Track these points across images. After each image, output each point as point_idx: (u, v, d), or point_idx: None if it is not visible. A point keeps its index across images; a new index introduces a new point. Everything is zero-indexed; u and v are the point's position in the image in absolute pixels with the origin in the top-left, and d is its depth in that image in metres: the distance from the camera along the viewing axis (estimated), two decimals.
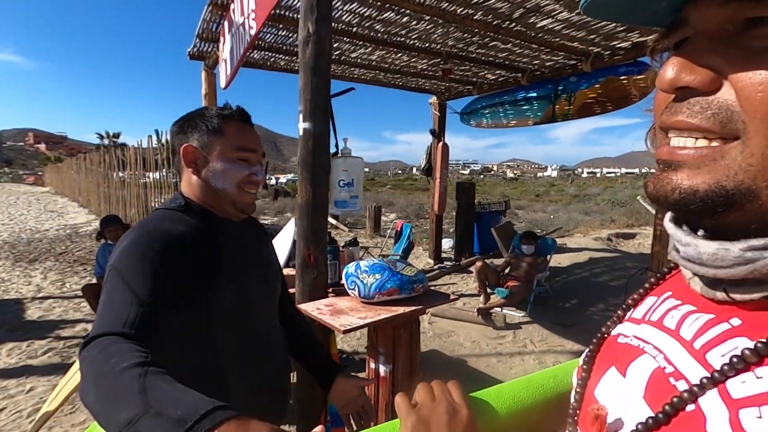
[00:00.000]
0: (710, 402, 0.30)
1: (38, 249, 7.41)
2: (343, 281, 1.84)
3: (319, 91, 1.80)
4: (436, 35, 3.51)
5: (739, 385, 0.29)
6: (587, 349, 0.47)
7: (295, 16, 3.15)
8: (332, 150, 2.01)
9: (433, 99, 5.87)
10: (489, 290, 4.25)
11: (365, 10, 3.02)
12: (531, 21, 3.13)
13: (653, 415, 0.33)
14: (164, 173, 6.58)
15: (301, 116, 1.83)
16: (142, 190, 7.43)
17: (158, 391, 0.58)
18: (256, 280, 0.98)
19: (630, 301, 0.46)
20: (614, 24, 3.13)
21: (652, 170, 0.36)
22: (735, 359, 0.29)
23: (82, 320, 4.03)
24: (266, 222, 10.85)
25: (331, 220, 9.83)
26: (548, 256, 4.50)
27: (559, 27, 3.21)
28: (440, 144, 5.60)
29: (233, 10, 2.65)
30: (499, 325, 3.83)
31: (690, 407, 0.31)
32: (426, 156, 6.09)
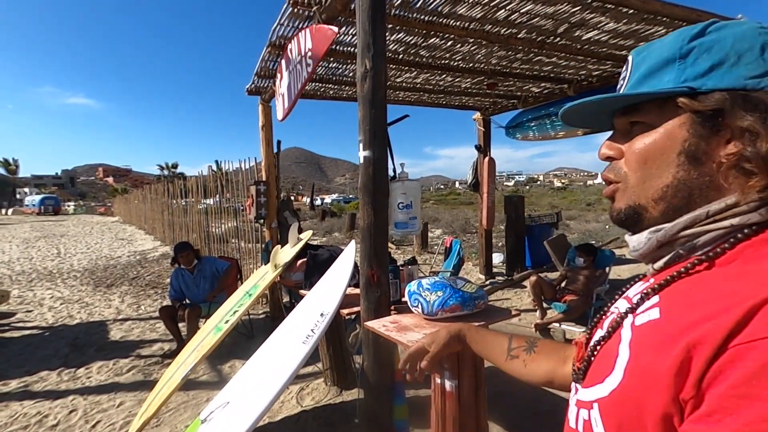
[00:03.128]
0: (628, 318, 0.50)
1: (114, 274, 8.08)
2: (406, 299, 1.93)
3: (377, 121, 1.93)
4: (480, 55, 3.59)
5: (641, 307, 0.49)
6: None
7: (345, 49, 3.36)
8: (390, 175, 2.13)
9: (477, 115, 5.92)
10: (545, 305, 4.16)
11: (411, 38, 3.17)
12: (576, 34, 3.15)
13: (602, 334, 0.54)
14: (218, 199, 7.03)
15: (361, 145, 1.96)
16: (202, 216, 7.95)
17: None
18: None
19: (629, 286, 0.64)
20: (665, 29, 3.08)
21: None
22: (642, 295, 0.50)
23: (158, 340, 4.36)
24: (316, 242, 11.20)
25: None
26: (607, 269, 4.35)
27: (606, 38, 3.20)
28: (486, 159, 5.61)
29: (290, 49, 2.88)
30: (559, 341, 3.73)
31: (620, 324, 0.51)
32: (472, 171, 6.11)
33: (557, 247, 5.24)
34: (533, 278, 4.23)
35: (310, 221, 17.74)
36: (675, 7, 2.79)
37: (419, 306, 1.84)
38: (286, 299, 4.78)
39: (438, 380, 1.85)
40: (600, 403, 0.47)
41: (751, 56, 0.46)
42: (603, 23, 2.95)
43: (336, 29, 2.37)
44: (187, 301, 4.24)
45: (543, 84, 4.62)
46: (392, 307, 2.10)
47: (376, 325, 1.86)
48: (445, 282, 1.86)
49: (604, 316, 0.62)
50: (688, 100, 0.47)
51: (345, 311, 2.17)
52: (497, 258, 7.01)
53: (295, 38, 2.76)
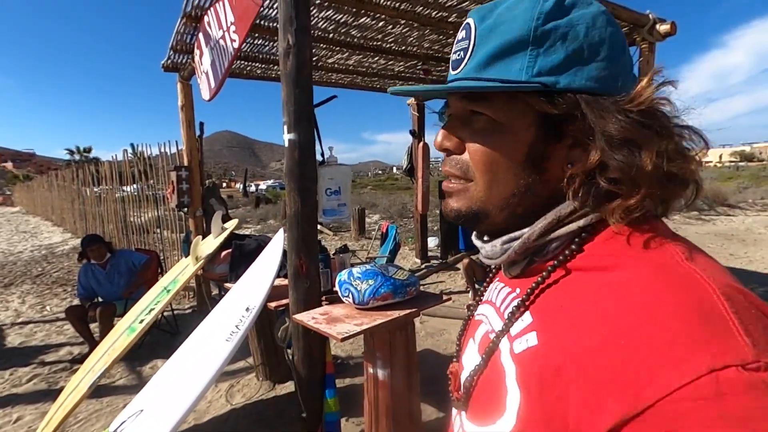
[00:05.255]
0: (504, 342, 0.46)
1: (13, 272, 7.17)
2: (337, 289, 1.86)
3: (302, 102, 1.81)
4: (412, 38, 3.55)
5: (515, 328, 0.45)
6: (459, 332, 0.63)
7: (271, 25, 3.15)
8: (318, 159, 2.02)
9: (411, 100, 5.92)
10: (477, 286, 4.31)
11: (341, 16, 3.04)
12: None
13: (478, 363, 0.49)
14: (140, 186, 6.45)
15: (285, 127, 1.84)
16: (119, 205, 7.25)
17: None
18: None
19: (483, 290, 0.61)
20: None
21: None
22: (512, 311, 0.46)
23: (66, 344, 3.92)
24: (249, 230, 10.73)
25: None
26: None
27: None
28: (421, 144, 5.64)
29: (208, 22, 2.63)
30: None
31: (497, 349, 0.46)
32: (407, 157, 6.14)
33: None
34: (465, 261, 4.35)
35: (244, 208, 16.98)
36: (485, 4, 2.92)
37: (350, 295, 1.78)
38: (216, 292, 4.51)
39: (371, 369, 1.82)
40: None
41: (603, 52, 0.41)
42: None
43: (260, 1, 2.19)
44: (100, 299, 3.84)
45: None
46: (323, 298, 2.02)
47: (305, 317, 1.78)
48: (376, 270, 1.81)
49: (469, 324, 0.60)
50: (542, 103, 0.42)
51: (273, 304, 2.06)
52: (432, 242, 7.17)
53: (213, 9, 2.53)
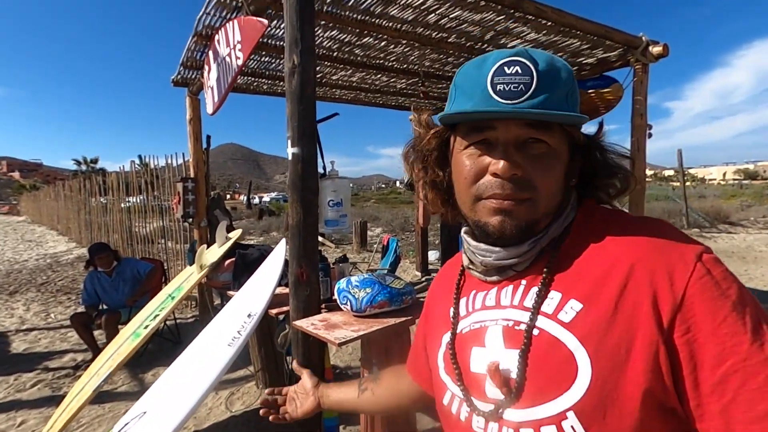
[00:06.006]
0: (543, 323, 0.54)
1: (18, 280, 7.26)
2: (335, 297, 1.93)
3: (306, 118, 1.91)
4: (413, 57, 3.67)
5: (548, 307, 0.55)
6: (444, 352, 0.67)
7: (277, 44, 3.28)
8: (320, 172, 2.11)
9: (413, 116, 6.04)
10: None
11: (345, 36, 3.16)
12: (502, 42, 3.32)
13: (520, 349, 0.54)
14: (145, 197, 6.56)
15: (289, 142, 1.93)
16: (125, 215, 7.37)
17: None
18: None
19: (453, 311, 0.68)
20: (579, 42, 3.34)
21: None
22: (537, 296, 0.56)
23: (70, 350, 3.98)
24: (252, 241, 10.81)
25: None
26: None
27: (529, 47, 3.41)
28: None
29: (218, 40, 2.76)
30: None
31: (535, 332, 0.54)
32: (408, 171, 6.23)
33: None
34: None
35: (247, 220, 17.10)
36: (588, 23, 3.04)
37: (348, 303, 1.85)
38: (218, 302, 4.57)
39: (367, 375, 1.88)
40: (578, 407, 0.47)
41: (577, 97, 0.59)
42: (525, 33, 3.14)
43: (265, 22, 2.30)
44: (105, 306, 3.91)
45: None
46: (323, 306, 2.09)
47: (305, 324, 1.84)
48: (373, 279, 1.88)
49: (460, 339, 0.63)
50: (579, 133, 0.60)
51: (274, 311, 2.12)
52: (433, 255, 7.22)
53: (223, 29, 2.65)
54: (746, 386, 0.41)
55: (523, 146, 0.56)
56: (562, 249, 0.58)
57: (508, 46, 3.39)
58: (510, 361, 0.54)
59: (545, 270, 0.57)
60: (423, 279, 6.04)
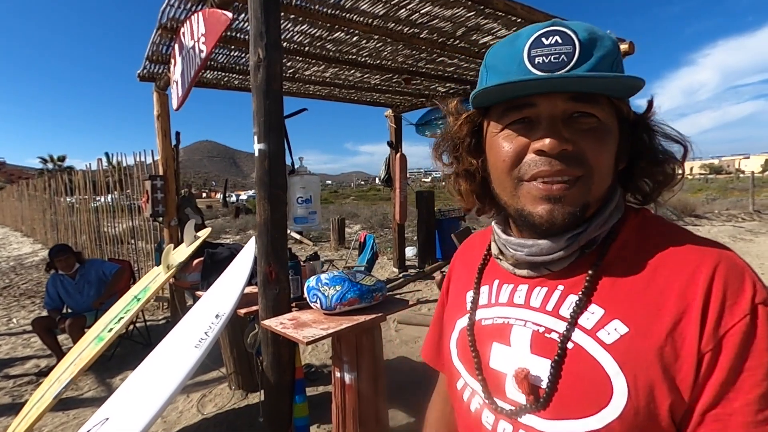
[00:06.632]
0: (579, 337, 0.49)
1: None
2: (305, 295, 1.90)
3: (272, 113, 1.87)
4: (386, 52, 3.66)
5: (586, 321, 0.49)
6: (458, 338, 0.63)
7: (246, 38, 3.20)
8: (289, 169, 2.07)
9: (389, 112, 6.04)
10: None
11: (316, 30, 3.12)
12: (473, 38, 3.34)
13: (553, 360, 0.49)
14: (116, 196, 6.34)
15: (256, 138, 1.89)
16: (93, 215, 7.10)
17: None
18: None
19: (472, 296, 0.63)
20: None
21: None
22: (576, 307, 0.50)
23: (32, 356, 3.82)
24: (228, 240, 10.61)
25: (295, 235, 9.75)
26: None
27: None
28: (398, 155, 5.75)
29: (183, 33, 2.68)
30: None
31: (570, 345, 0.49)
32: (385, 167, 6.22)
33: (464, 239, 5.54)
34: (438, 277, 4.43)
35: (223, 219, 16.78)
36: (557, 19, 3.09)
37: (318, 301, 1.83)
38: (190, 303, 4.46)
39: (338, 374, 1.86)
40: (611, 427, 0.45)
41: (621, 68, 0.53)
42: (496, 29, 3.17)
43: (230, 15, 2.24)
44: (69, 310, 3.77)
45: (448, 84, 4.84)
46: (293, 304, 2.06)
47: (273, 323, 1.81)
48: (343, 276, 1.86)
49: (481, 330, 0.59)
50: (627, 107, 0.53)
51: (243, 311, 2.08)
52: (410, 251, 7.24)
53: (188, 21, 2.57)
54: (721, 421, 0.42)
55: (569, 121, 0.50)
56: (609, 255, 0.52)
57: (480, 42, 3.41)
58: (539, 369, 0.51)
59: (587, 278, 0.51)
60: (400, 275, 6.07)
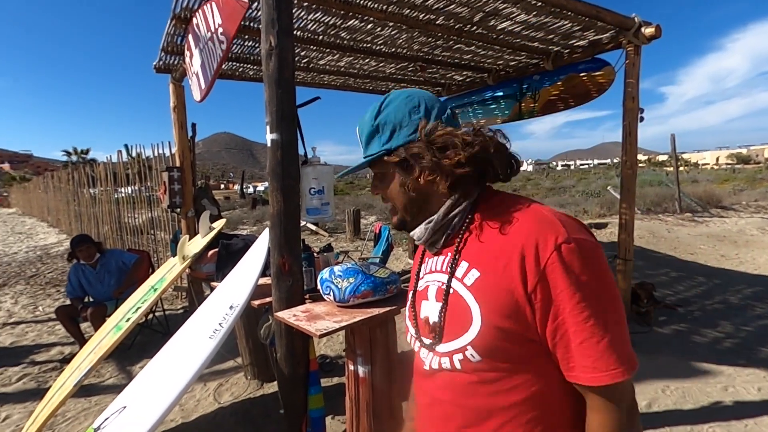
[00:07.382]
0: (455, 284, 0.74)
1: (7, 273, 7.18)
2: (318, 287, 1.88)
3: (285, 103, 1.84)
4: (401, 40, 3.57)
5: (459, 272, 0.74)
6: (408, 304, 0.89)
7: (260, 26, 3.17)
8: (302, 159, 2.04)
9: None
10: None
11: (330, 18, 3.07)
12: (491, 24, 3.23)
13: (441, 303, 0.75)
14: (136, 188, 6.46)
15: (268, 127, 1.86)
16: (114, 207, 7.26)
17: None
18: None
19: (417, 270, 0.89)
20: (570, 23, 3.26)
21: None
22: (451, 264, 0.76)
23: (57, 343, 3.93)
24: (245, 231, 10.72)
25: (311, 226, 9.78)
26: None
27: (518, 29, 3.32)
28: None
29: (196, 24, 2.66)
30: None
31: (451, 290, 0.74)
32: None
33: None
34: None
35: (241, 210, 16.98)
36: (578, 3, 2.96)
37: (331, 293, 1.80)
38: (207, 292, 4.52)
39: (351, 367, 1.84)
40: (473, 343, 0.69)
41: (406, 120, 0.77)
42: (515, 14, 3.06)
43: (246, 2, 2.21)
44: (90, 299, 3.86)
45: (465, 72, 4.73)
46: (307, 296, 2.05)
47: (286, 315, 1.80)
48: (357, 268, 1.83)
49: (416, 296, 0.86)
50: (387, 157, 0.78)
51: (257, 302, 2.08)
52: None
53: (201, 11, 2.55)
54: (563, 338, 0.65)
55: (377, 176, 0.84)
56: (471, 229, 0.76)
57: (498, 27, 3.30)
58: (436, 312, 0.76)
59: (457, 244, 0.77)
60: None
